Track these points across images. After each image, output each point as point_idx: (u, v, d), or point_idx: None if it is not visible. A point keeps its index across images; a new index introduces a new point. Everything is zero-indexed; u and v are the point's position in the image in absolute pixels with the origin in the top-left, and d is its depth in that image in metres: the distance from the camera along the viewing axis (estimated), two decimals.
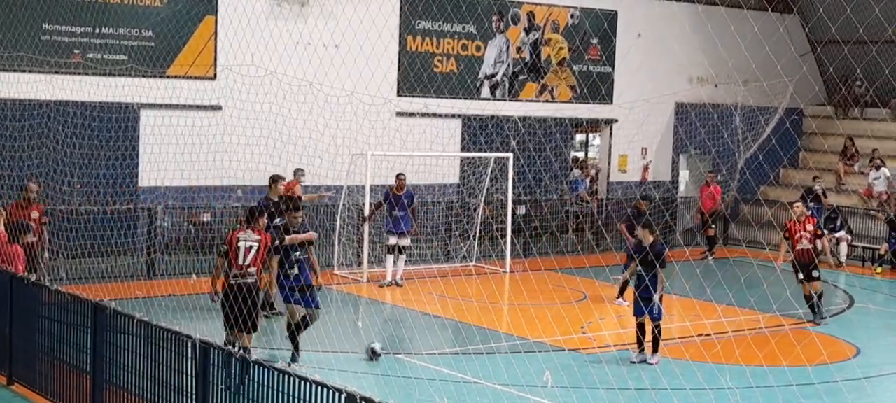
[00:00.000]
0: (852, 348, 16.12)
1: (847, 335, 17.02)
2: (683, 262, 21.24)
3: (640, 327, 14.47)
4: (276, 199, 16.59)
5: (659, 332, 14.41)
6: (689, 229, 26.78)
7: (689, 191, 28.53)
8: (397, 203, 19.70)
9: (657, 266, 14.04)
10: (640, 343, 14.49)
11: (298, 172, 20.08)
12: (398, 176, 20.11)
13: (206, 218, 20.65)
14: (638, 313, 14.51)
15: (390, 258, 19.96)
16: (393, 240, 19.92)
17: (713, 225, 25.48)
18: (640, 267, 14.32)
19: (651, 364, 14.27)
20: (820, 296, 17.70)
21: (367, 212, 20.68)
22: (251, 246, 12.69)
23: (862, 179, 27.77)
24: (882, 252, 24.32)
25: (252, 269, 12.67)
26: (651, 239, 14.44)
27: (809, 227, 17.81)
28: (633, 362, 14.40)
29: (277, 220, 15.41)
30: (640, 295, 14.37)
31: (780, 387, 13.09)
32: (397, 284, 19.79)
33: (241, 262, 12.62)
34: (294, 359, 13.42)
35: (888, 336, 17.23)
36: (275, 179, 17.22)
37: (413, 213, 20.20)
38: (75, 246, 17.34)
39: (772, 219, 26.02)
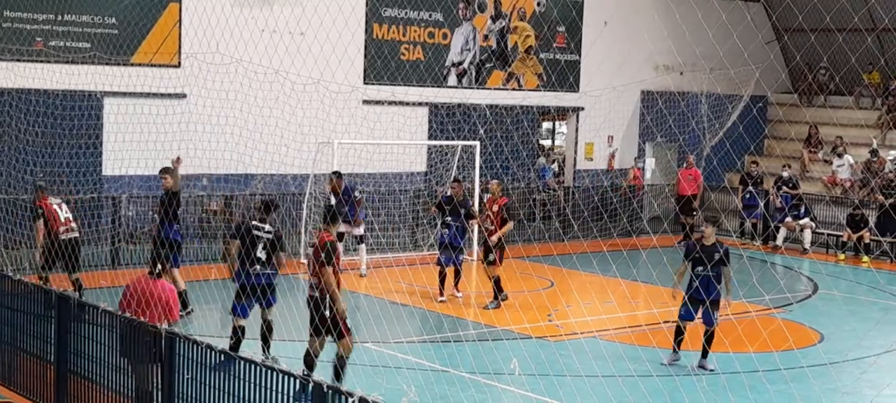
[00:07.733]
0: (817, 334, 16.24)
1: (812, 321, 17.15)
2: (650, 249, 21.38)
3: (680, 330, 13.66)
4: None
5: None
6: (655, 217, 26.85)
7: (656, 178, 28.62)
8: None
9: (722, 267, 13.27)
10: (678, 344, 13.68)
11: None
12: (330, 178, 19.60)
13: None
14: (687, 317, 13.59)
15: None
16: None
17: (696, 213, 24.66)
18: (698, 268, 13.30)
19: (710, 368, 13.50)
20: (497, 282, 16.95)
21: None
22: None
23: (826, 167, 27.97)
24: (845, 238, 24.48)
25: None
26: (713, 239, 13.46)
27: (495, 208, 16.83)
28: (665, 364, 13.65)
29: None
30: (698, 297, 13.23)
31: (746, 373, 13.15)
32: (361, 275, 19.59)
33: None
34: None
35: (852, 321, 17.36)
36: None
37: (358, 204, 19.76)
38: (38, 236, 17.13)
39: (739, 207, 26.15)
